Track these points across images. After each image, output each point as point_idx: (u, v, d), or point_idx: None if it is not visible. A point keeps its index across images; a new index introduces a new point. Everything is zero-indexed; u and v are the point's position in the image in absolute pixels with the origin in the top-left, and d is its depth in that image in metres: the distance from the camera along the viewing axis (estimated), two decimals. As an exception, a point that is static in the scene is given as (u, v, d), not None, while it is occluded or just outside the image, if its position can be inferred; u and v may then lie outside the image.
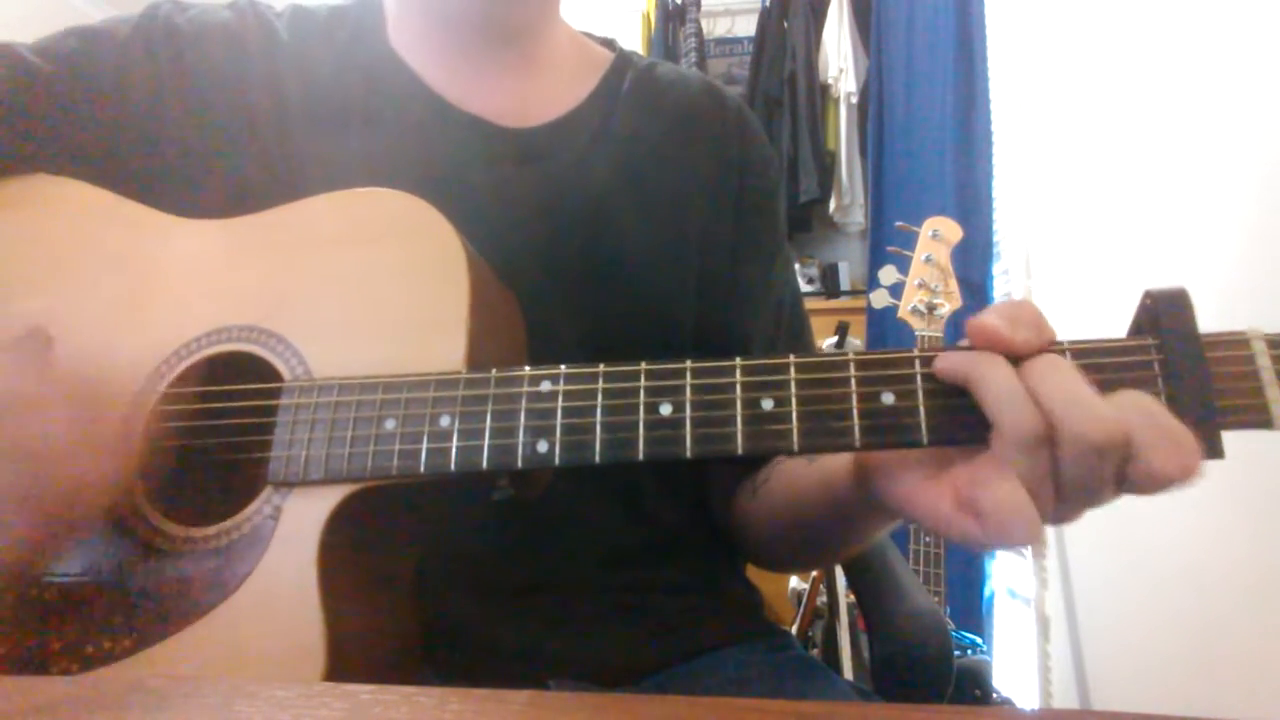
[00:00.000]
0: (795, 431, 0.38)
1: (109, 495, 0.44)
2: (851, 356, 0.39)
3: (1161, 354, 0.36)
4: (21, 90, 0.58)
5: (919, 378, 0.38)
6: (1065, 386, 0.34)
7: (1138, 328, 0.38)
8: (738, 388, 0.39)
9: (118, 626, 0.43)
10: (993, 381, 0.35)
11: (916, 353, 0.38)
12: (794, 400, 0.39)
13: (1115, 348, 0.37)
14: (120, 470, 0.44)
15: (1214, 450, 0.35)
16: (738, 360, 0.40)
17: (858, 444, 0.38)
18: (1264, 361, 0.35)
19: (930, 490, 0.38)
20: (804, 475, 0.56)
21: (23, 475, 0.40)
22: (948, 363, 0.37)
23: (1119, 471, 0.34)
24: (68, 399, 0.43)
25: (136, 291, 0.52)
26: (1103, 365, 0.37)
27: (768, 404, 0.39)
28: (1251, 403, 0.35)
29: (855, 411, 0.38)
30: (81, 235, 0.55)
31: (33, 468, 0.40)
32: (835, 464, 0.49)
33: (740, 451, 0.38)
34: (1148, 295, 0.37)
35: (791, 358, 0.39)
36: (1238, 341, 0.36)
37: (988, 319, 0.37)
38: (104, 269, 0.53)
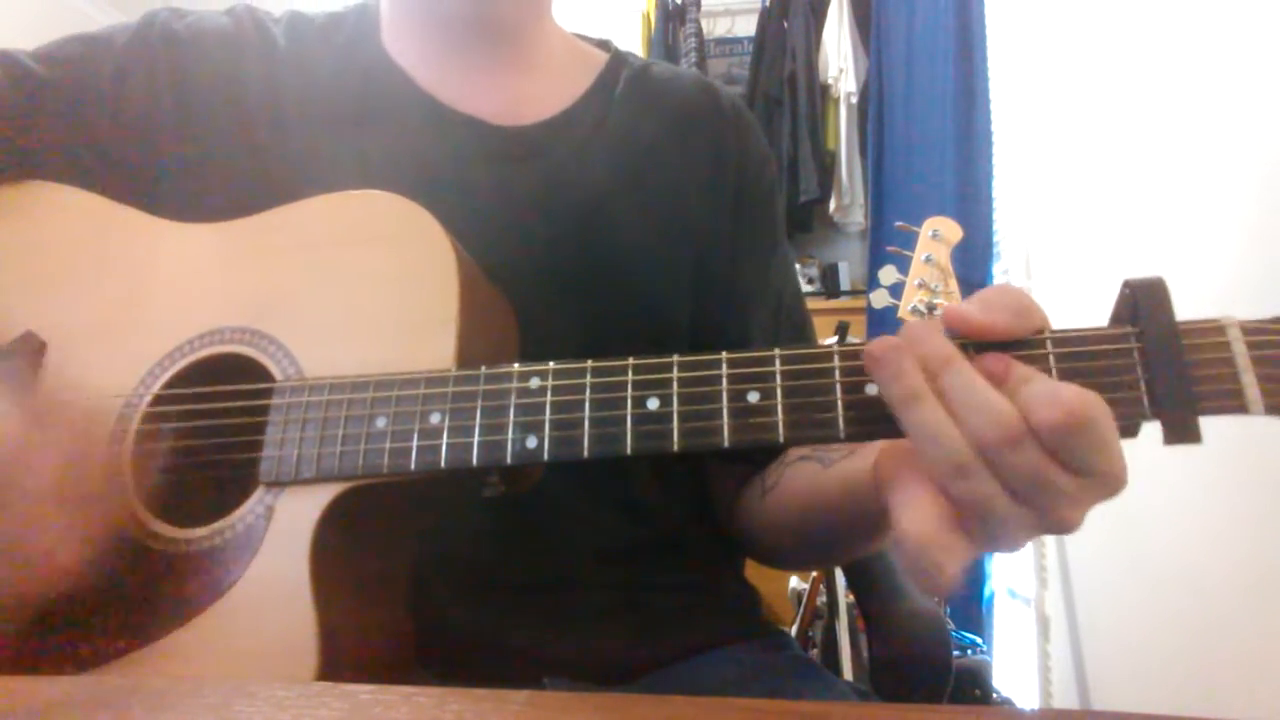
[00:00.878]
0: (781, 424, 0.39)
1: (103, 514, 0.45)
2: (836, 349, 0.39)
3: (1141, 342, 0.37)
4: (21, 96, 0.59)
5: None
6: (965, 393, 0.34)
7: (1117, 317, 0.39)
8: (724, 381, 0.40)
9: (113, 627, 0.44)
10: (913, 423, 0.35)
11: None
12: (779, 393, 0.39)
13: (1096, 336, 0.38)
14: (111, 490, 0.45)
15: (1192, 434, 0.35)
16: (724, 354, 0.40)
17: (843, 435, 0.38)
18: (1239, 348, 0.36)
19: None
20: (823, 481, 0.56)
21: (16, 519, 0.41)
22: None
23: (1052, 456, 0.33)
24: (53, 428, 0.43)
25: (131, 295, 0.52)
26: (1083, 354, 0.37)
27: (753, 397, 0.39)
28: (1228, 388, 0.36)
29: (840, 403, 0.38)
30: (77, 241, 0.55)
31: (25, 510, 0.41)
32: (857, 474, 0.49)
33: (727, 444, 0.39)
34: (1127, 285, 0.38)
35: (776, 351, 0.40)
36: (1214, 329, 0.36)
37: (963, 307, 0.37)
38: (99, 274, 0.54)
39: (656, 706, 0.29)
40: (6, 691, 0.31)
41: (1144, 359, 0.36)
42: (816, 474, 0.58)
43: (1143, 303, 0.37)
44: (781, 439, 0.39)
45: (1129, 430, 0.37)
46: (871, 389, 0.38)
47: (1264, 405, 0.35)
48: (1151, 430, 0.37)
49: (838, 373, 0.39)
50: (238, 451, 0.46)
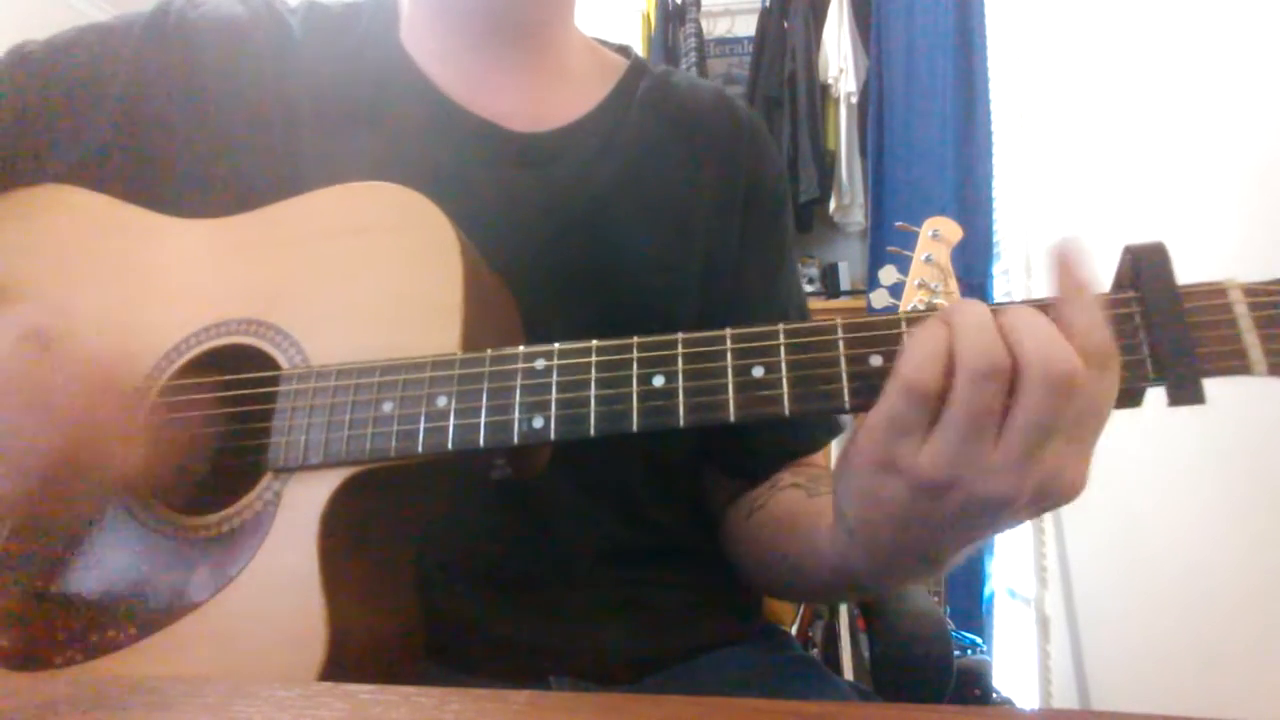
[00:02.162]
0: (786, 397, 0.39)
1: (113, 473, 0.45)
2: (839, 322, 0.39)
3: (1142, 305, 0.37)
4: (35, 90, 0.58)
5: (905, 339, 0.39)
6: (1035, 325, 0.35)
7: (1119, 282, 0.39)
8: (728, 356, 0.40)
9: (121, 615, 0.44)
10: (960, 323, 0.36)
11: (902, 315, 0.39)
12: (784, 366, 0.39)
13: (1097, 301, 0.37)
14: (125, 453, 0.45)
15: (1195, 395, 0.35)
16: (727, 330, 0.41)
17: (848, 405, 0.39)
18: (1241, 310, 0.36)
19: None
20: (804, 507, 0.55)
21: (32, 441, 0.41)
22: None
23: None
24: (74, 381, 0.43)
25: (138, 291, 0.52)
26: None
27: (758, 371, 0.40)
28: (1230, 349, 0.36)
29: (844, 374, 0.39)
30: (85, 240, 0.56)
31: (42, 435, 0.41)
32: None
33: (733, 419, 0.39)
34: (1128, 250, 0.38)
35: (780, 325, 0.40)
36: (1215, 291, 0.37)
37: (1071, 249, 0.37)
38: (106, 272, 0.54)
39: (656, 706, 0.29)
40: (8, 690, 0.31)
41: (1146, 321, 0.37)
42: (799, 500, 0.57)
43: (1144, 266, 0.37)
44: (787, 411, 0.39)
45: (1133, 397, 0.37)
46: (875, 360, 0.39)
47: (1267, 366, 0.35)
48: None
49: (841, 344, 0.39)
50: (245, 439, 0.46)
